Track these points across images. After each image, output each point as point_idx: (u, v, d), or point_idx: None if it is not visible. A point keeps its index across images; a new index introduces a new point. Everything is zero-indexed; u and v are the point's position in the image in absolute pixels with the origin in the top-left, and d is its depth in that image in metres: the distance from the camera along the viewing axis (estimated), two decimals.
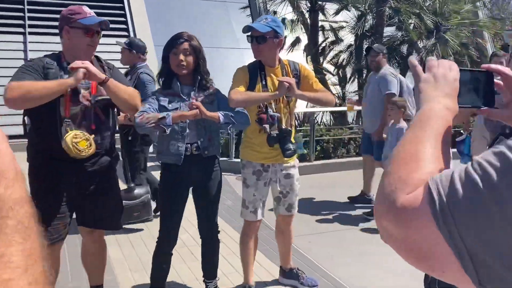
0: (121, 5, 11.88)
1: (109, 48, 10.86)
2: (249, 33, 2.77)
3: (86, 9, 2.44)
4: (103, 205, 2.57)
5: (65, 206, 2.43)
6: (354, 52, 9.37)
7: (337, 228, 4.58)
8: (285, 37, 10.16)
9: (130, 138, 4.23)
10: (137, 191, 4.27)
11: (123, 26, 11.58)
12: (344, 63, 9.51)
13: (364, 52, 5.37)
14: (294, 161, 2.99)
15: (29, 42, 10.17)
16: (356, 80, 9.35)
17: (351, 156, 7.54)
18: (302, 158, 7.17)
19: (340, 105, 8.86)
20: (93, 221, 2.59)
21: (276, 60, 2.88)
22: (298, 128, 7.91)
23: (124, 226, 3.57)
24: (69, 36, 2.38)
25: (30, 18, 10.55)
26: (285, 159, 2.85)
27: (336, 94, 9.27)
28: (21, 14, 10.63)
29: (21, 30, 10.47)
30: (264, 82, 2.79)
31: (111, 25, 9.56)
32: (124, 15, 11.73)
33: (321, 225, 4.68)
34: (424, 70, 0.83)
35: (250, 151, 2.87)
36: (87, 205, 2.51)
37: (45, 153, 2.35)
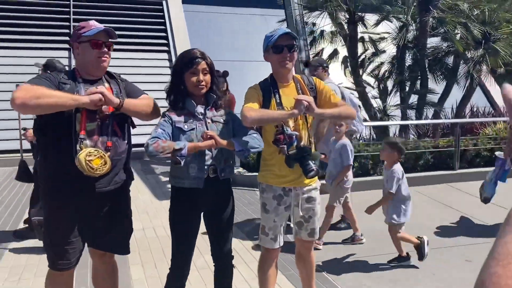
0: (162, 20, 12.13)
1: (150, 63, 11.14)
2: (274, 43, 2.57)
3: (93, 22, 2.38)
4: (115, 228, 2.48)
5: (77, 229, 2.35)
6: (396, 63, 9.01)
7: (372, 253, 4.28)
8: (322, 49, 9.96)
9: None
10: None
11: (164, 41, 11.80)
12: (385, 75, 9.16)
13: (303, 66, 5.07)
14: (315, 182, 2.78)
15: (74, 58, 10.50)
16: (398, 92, 8.97)
17: None
18: None
19: (381, 119, 8.52)
20: (104, 244, 2.50)
21: (292, 74, 2.70)
22: None
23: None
24: (79, 51, 2.34)
25: None
26: (307, 181, 2.65)
27: (376, 107, 8.92)
28: (67, 31, 11.06)
29: (66, 46, 10.88)
30: (278, 100, 2.60)
31: (153, 41, 9.78)
32: (165, 31, 11.96)
33: (355, 249, 4.40)
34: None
35: (270, 174, 2.69)
36: (99, 227, 2.42)
37: (59, 172, 2.28)
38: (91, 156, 2.18)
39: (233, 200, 2.62)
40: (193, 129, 2.39)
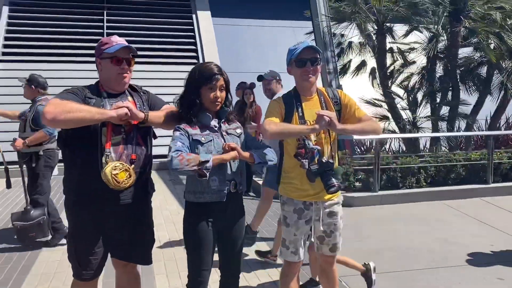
0: (192, 34, 12.37)
1: (179, 76, 11.33)
2: (297, 57, 2.56)
3: (115, 38, 2.42)
4: (138, 238, 2.52)
5: (101, 240, 2.41)
6: (426, 74, 8.84)
7: (404, 268, 4.18)
8: (350, 60, 9.89)
9: (34, 164, 4.65)
10: (33, 212, 4.55)
11: (194, 54, 12.01)
12: (415, 86, 9.00)
13: (256, 80, 4.99)
14: (338, 197, 2.74)
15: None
16: (428, 104, 8.79)
17: (421, 187, 7.01)
18: (365, 188, 6.81)
19: (410, 131, 8.37)
20: (127, 255, 2.54)
21: (315, 87, 2.68)
22: (362, 156, 7.54)
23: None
24: (101, 67, 2.40)
25: None
26: (329, 195, 2.60)
27: (406, 119, 8.77)
28: None
29: None
30: (301, 114, 2.58)
31: (183, 54, 9.95)
32: (195, 44, 12.17)
33: (383, 264, 4.31)
34: None
35: (291, 188, 2.66)
36: (122, 238, 2.46)
37: (84, 184, 2.34)
38: (117, 169, 2.22)
39: (245, 216, 2.61)
40: (210, 141, 2.38)
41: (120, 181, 2.23)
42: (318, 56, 2.58)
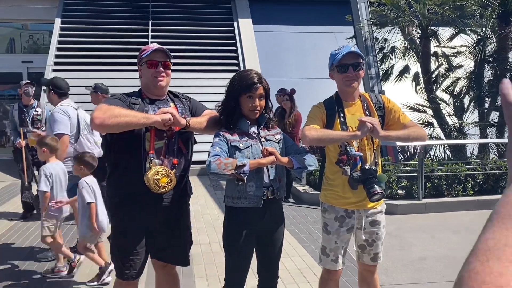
0: (234, 41, 12.53)
1: (220, 83, 11.51)
2: (338, 62, 2.51)
3: (153, 44, 2.50)
4: (177, 240, 2.59)
5: (142, 241, 2.49)
6: (474, 79, 8.52)
7: (448, 278, 4.04)
8: (393, 65, 9.69)
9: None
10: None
11: (235, 61, 12.16)
12: (462, 91, 8.69)
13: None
14: (381, 205, 2.67)
15: None
16: (475, 109, 8.46)
17: (468, 195, 6.75)
18: (409, 195, 6.64)
19: (456, 138, 8.08)
20: (166, 256, 2.61)
21: (358, 92, 2.63)
22: (405, 162, 7.36)
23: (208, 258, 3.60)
24: (141, 73, 2.49)
25: None
26: (371, 204, 2.55)
27: (452, 125, 8.48)
28: None
29: None
30: (343, 119, 2.54)
31: (224, 61, 10.13)
32: (236, 51, 12.33)
33: (425, 274, 4.18)
34: None
35: (332, 195, 2.62)
36: (162, 239, 2.54)
37: (127, 186, 2.42)
38: (159, 175, 2.30)
39: (284, 222, 2.61)
40: (248, 147, 2.40)
41: (162, 186, 2.31)
42: (361, 61, 2.52)
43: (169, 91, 2.62)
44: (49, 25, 12.75)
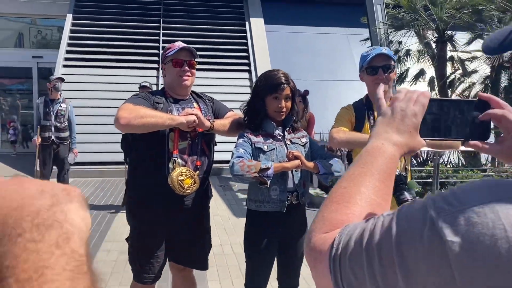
0: (245, 41, 12.45)
1: (231, 82, 11.46)
2: (368, 64, 2.43)
3: (178, 43, 2.44)
4: (197, 243, 2.51)
5: (162, 244, 2.41)
6: (490, 84, 8.38)
7: None
8: (408, 69, 9.56)
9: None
10: None
11: (246, 61, 12.08)
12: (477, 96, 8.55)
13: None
14: None
15: (161, 76, 11.12)
16: None
17: None
18: None
19: None
20: (185, 259, 2.53)
21: (389, 96, 2.54)
22: (419, 168, 7.24)
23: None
24: (165, 72, 2.43)
25: None
26: None
27: None
28: (157, 51, 11.74)
29: (155, 66, 11.54)
30: (372, 123, 2.44)
31: (235, 61, 10.16)
32: (247, 50, 12.24)
33: None
34: None
35: None
36: (182, 242, 2.46)
37: (149, 187, 2.35)
38: (183, 176, 2.24)
39: (307, 228, 2.52)
40: (273, 149, 2.33)
41: (186, 187, 2.24)
42: (392, 63, 2.44)
43: (193, 91, 2.55)
44: (58, 21, 12.73)
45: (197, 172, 2.34)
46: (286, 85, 2.33)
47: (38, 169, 6.53)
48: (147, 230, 2.38)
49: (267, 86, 2.34)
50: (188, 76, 2.40)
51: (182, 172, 2.24)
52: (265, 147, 2.32)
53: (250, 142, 2.32)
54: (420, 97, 0.76)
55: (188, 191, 2.26)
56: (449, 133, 0.79)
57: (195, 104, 2.47)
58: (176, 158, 2.28)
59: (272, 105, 2.33)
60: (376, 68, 2.42)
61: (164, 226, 2.38)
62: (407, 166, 2.49)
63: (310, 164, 2.33)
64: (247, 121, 2.42)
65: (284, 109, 2.35)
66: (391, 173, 0.70)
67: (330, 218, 0.63)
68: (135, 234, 2.42)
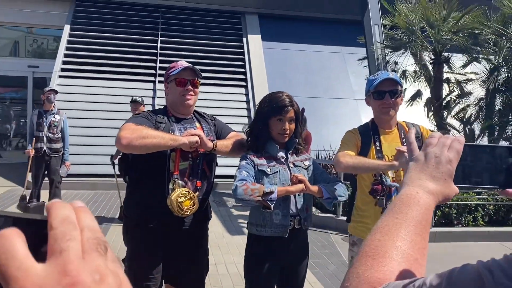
0: (242, 56, 12.50)
1: (228, 97, 11.46)
2: (375, 88, 2.42)
3: (181, 62, 2.43)
4: (195, 265, 2.45)
5: (159, 266, 2.35)
6: (484, 107, 8.45)
7: None
8: (405, 89, 9.61)
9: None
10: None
11: (242, 76, 12.10)
12: (471, 118, 8.61)
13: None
14: None
15: (158, 89, 11.13)
16: (485, 137, 8.37)
17: (479, 226, 6.61)
18: None
19: None
20: (182, 282, 2.47)
21: (395, 120, 2.51)
22: None
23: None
24: (167, 91, 2.42)
25: (160, 68, 11.59)
26: None
27: None
28: (154, 64, 11.74)
29: (152, 79, 11.52)
30: (378, 147, 2.42)
31: (232, 76, 10.21)
32: (244, 66, 12.28)
33: None
34: None
35: (363, 228, 2.46)
36: (179, 264, 2.40)
37: (148, 208, 2.30)
38: (182, 197, 2.20)
39: (309, 254, 2.47)
40: (276, 172, 2.29)
41: (184, 209, 2.20)
42: (399, 88, 2.42)
43: (195, 110, 2.52)
44: (54, 31, 12.70)
45: (197, 193, 2.30)
46: (290, 107, 2.32)
47: (30, 179, 6.50)
48: (144, 251, 2.33)
49: (271, 108, 2.32)
50: (191, 95, 2.38)
51: (181, 194, 2.20)
52: (268, 169, 2.28)
53: (253, 164, 2.29)
54: (455, 142, 0.74)
55: (186, 213, 2.22)
56: (484, 180, 0.77)
57: (197, 124, 2.45)
58: (176, 179, 2.25)
59: (276, 127, 2.31)
60: (383, 93, 2.41)
61: (162, 247, 2.33)
62: None
63: (314, 188, 2.29)
64: (250, 142, 2.39)
65: (288, 131, 2.33)
66: (427, 225, 0.68)
67: (367, 277, 0.60)
68: (132, 255, 2.36)
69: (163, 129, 2.29)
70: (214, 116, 2.66)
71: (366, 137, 2.48)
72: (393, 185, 2.32)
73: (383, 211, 2.30)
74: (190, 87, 2.37)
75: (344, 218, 6.74)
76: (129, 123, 2.20)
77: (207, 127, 2.48)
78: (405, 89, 9.24)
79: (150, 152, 2.17)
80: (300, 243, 2.40)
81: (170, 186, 2.23)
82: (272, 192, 2.15)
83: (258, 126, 2.35)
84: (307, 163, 2.44)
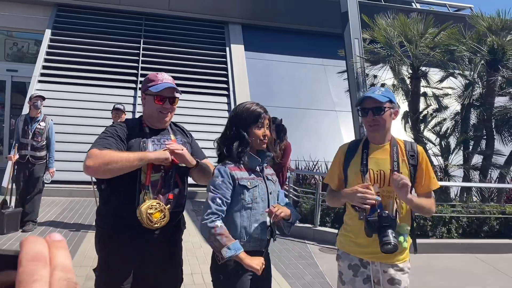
0: (225, 66, 12.55)
1: (210, 106, 11.47)
2: (360, 106, 2.43)
3: (161, 75, 2.40)
4: (167, 278, 2.44)
5: (130, 277, 2.33)
6: (460, 121, 8.65)
7: None
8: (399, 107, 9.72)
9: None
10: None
11: (225, 85, 12.14)
12: (447, 132, 8.80)
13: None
14: (403, 263, 2.38)
15: (139, 96, 11.08)
16: (460, 151, 8.56)
17: (453, 238, 6.74)
18: None
19: (441, 179, 8.13)
20: None
21: (387, 136, 2.45)
22: None
23: None
24: (145, 102, 2.41)
25: (142, 76, 11.56)
26: (392, 259, 2.32)
27: (438, 166, 8.54)
28: (135, 71, 11.69)
29: (133, 85, 11.47)
30: (365, 161, 2.40)
31: (214, 85, 10.29)
32: (227, 75, 12.33)
33: None
34: None
35: (347, 241, 2.45)
36: (150, 276, 2.39)
37: (119, 218, 2.29)
38: (152, 209, 2.19)
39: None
40: (256, 186, 2.28)
41: (154, 221, 2.19)
42: (384, 106, 2.36)
43: (172, 122, 2.53)
44: (35, 34, 12.55)
45: (168, 206, 2.29)
46: (265, 114, 2.35)
47: (8, 186, 6.39)
48: (115, 262, 2.30)
49: (251, 116, 2.31)
50: (169, 113, 2.38)
51: (152, 205, 2.19)
52: (249, 183, 2.25)
53: (233, 179, 2.23)
54: None
55: (156, 225, 2.21)
56: None
57: (172, 136, 2.43)
58: (147, 191, 2.24)
59: (257, 134, 2.31)
60: (366, 110, 2.40)
61: (133, 258, 2.31)
62: (398, 209, 2.35)
63: (288, 212, 2.30)
64: (227, 152, 2.32)
65: (268, 137, 2.35)
66: None
67: None
68: (102, 265, 2.34)
69: (134, 145, 2.27)
70: (191, 134, 2.64)
71: (353, 149, 2.50)
72: (375, 199, 2.26)
73: (364, 225, 2.24)
74: (169, 105, 2.36)
75: (322, 228, 6.80)
76: (93, 149, 2.17)
77: (182, 140, 2.47)
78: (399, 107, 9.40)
79: (118, 175, 2.16)
80: (267, 253, 2.42)
81: (141, 197, 2.22)
82: (232, 256, 2.09)
83: (238, 135, 2.30)
84: (274, 178, 2.46)
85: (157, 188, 2.29)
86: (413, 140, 8.72)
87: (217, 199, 2.16)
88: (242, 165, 2.31)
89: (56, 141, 6.56)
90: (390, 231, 2.18)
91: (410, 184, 2.22)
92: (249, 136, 2.31)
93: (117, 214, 2.29)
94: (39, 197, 6.42)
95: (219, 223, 2.12)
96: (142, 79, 11.42)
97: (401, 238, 2.26)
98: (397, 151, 2.41)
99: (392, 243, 2.15)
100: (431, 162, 8.47)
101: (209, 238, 2.11)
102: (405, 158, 2.40)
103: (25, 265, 0.38)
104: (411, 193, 2.32)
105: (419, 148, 2.45)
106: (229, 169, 2.25)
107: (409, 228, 2.34)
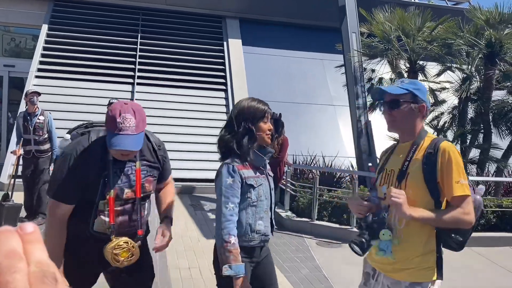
0: (222, 60, 12.53)
1: (207, 101, 11.47)
2: (380, 101, 2.33)
3: (123, 122, 2.05)
4: (139, 280, 2.41)
5: (94, 279, 2.34)
6: (457, 115, 8.66)
7: None
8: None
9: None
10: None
11: (222, 80, 12.13)
12: (445, 126, 8.81)
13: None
14: (410, 279, 2.09)
15: (136, 91, 11.08)
16: (458, 145, 8.57)
17: None
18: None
19: None
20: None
21: (414, 133, 2.16)
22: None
23: None
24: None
25: (140, 70, 11.54)
26: (395, 274, 2.12)
27: None
28: (133, 66, 11.67)
29: (130, 80, 11.45)
30: (384, 161, 2.30)
31: (212, 80, 10.20)
32: (224, 70, 12.32)
33: None
34: None
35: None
36: (121, 283, 2.39)
37: (80, 234, 2.19)
38: (119, 249, 2.11)
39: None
40: (261, 184, 2.30)
41: (120, 261, 2.12)
42: (402, 99, 2.10)
43: (146, 134, 2.28)
44: (32, 30, 12.51)
45: (138, 242, 2.22)
46: (269, 108, 2.37)
47: (10, 182, 6.41)
48: (77, 263, 2.19)
49: (257, 111, 2.31)
50: (128, 154, 2.18)
51: (118, 245, 2.10)
52: (255, 182, 2.27)
53: (240, 178, 2.23)
54: None
55: (123, 264, 2.13)
56: None
57: (137, 164, 2.23)
58: (113, 229, 2.14)
59: (264, 129, 2.32)
60: (384, 105, 2.26)
61: (96, 267, 2.29)
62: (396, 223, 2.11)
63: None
64: (238, 148, 2.26)
65: (272, 131, 2.37)
66: None
67: None
68: (66, 270, 2.15)
69: (93, 180, 2.12)
70: (162, 145, 2.43)
71: (391, 148, 2.38)
72: (374, 199, 2.15)
73: (361, 219, 2.11)
74: (129, 154, 2.17)
75: (319, 222, 6.82)
76: (51, 203, 2.12)
77: (148, 162, 2.29)
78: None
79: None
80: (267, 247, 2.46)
81: (111, 236, 2.12)
82: (233, 276, 2.11)
83: (248, 129, 2.27)
84: (271, 172, 2.48)
85: (125, 224, 2.20)
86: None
87: (229, 203, 2.19)
88: (248, 164, 2.30)
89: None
90: (365, 230, 2.05)
91: (402, 202, 1.93)
92: (256, 131, 2.30)
93: (77, 230, 2.19)
94: (44, 188, 6.49)
95: (233, 239, 2.13)
96: (139, 74, 11.46)
97: (383, 245, 2.08)
98: (415, 149, 2.13)
99: (358, 243, 2.04)
100: None
101: (219, 249, 2.16)
102: (420, 157, 2.09)
103: (1, 261, 0.39)
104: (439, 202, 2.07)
105: (443, 145, 2.04)
106: (238, 167, 2.25)
107: (391, 235, 2.05)
